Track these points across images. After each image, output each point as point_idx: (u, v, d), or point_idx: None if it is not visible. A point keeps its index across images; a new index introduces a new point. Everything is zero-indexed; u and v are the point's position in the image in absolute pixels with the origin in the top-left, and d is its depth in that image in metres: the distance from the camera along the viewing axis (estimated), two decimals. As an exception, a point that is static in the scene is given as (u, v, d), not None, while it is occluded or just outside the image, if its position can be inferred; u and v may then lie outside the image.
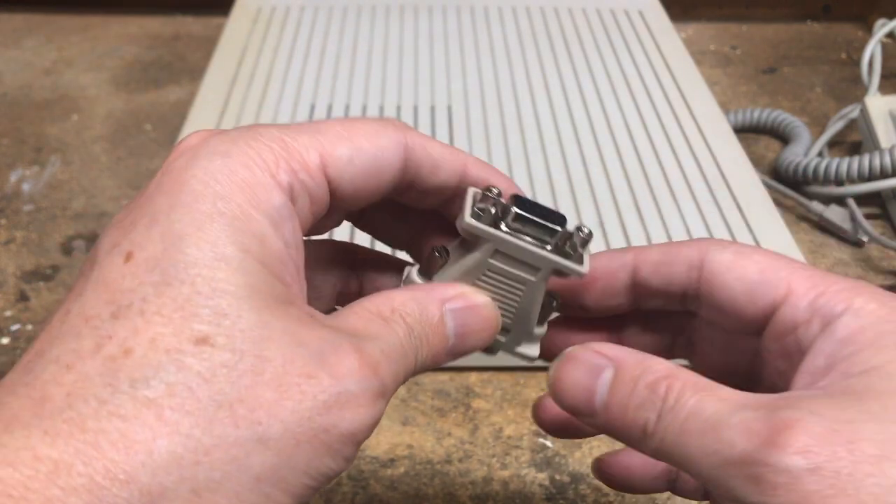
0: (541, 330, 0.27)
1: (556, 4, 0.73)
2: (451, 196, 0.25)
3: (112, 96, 0.74)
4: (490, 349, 0.26)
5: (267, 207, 0.20)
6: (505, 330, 0.26)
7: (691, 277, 0.25)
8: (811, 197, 0.61)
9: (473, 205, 0.24)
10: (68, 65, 0.79)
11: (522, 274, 0.24)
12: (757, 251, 0.24)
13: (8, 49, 0.82)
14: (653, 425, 0.21)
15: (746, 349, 0.25)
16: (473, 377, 0.47)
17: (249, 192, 0.20)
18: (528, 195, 0.52)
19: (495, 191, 0.24)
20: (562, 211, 0.25)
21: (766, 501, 0.19)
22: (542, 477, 0.42)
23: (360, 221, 0.28)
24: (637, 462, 0.30)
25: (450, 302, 0.23)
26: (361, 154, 0.22)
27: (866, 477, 0.18)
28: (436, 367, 0.23)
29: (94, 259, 0.20)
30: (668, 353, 0.28)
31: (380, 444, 0.44)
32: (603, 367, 0.23)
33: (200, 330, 0.18)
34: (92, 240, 0.58)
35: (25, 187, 0.63)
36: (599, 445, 0.44)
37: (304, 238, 0.23)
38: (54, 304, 0.52)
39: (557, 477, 0.42)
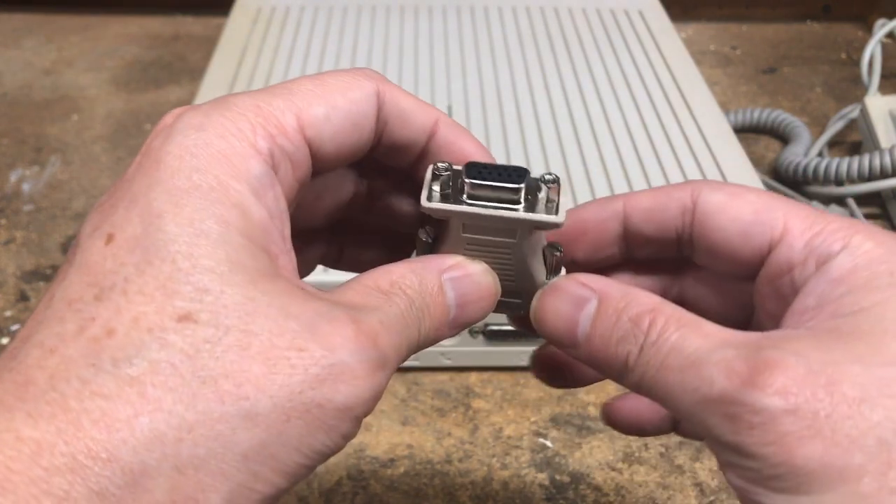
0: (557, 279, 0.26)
1: (556, 4, 0.73)
2: (421, 155, 0.25)
3: (112, 96, 0.74)
4: (507, 314, 0.26)
5: (247, 176, 0.20)
6: (516, 294, 0.25)
7: (685, 221, 0.24)
8: (811, 197, 0.61)
9: (430, 184, 0.23)
10: (68, 65, 0.79)
11: (501, 238, 0.24)
12: (751, 191, 0.23)
13: (8, 49, 0.82)
14: (634, 359, 0.21)
15: (739, 296, 0.25)
16: (473, 377, 0.47)
17: (227, 162, 0.20)
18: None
19: (443, 166, 0.23)
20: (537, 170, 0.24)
21: (742, 440, 0.18)
22: (542, 477, 0.42)
23: (367, 209, 0.27)
24: (644, 405, 0.29)
25: (447, 272, 0.23)
26: (337, 111, 0.22)
27: (844, 419, 0.18)
28: (439, 340, 0.23)
29: (77, 244, 0.19)
30: None
31: (380, 444, 0.44)
32: (587, 298, 0.23)
33: (183, 307, 0.18)
34: (92, 240, 0.58)
35: (25, 187, 0.63)
36: (599, 445, 0.44)
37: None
38: (54, 304, 0.52)
39: (557, 477, 0.42)
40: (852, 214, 0.58)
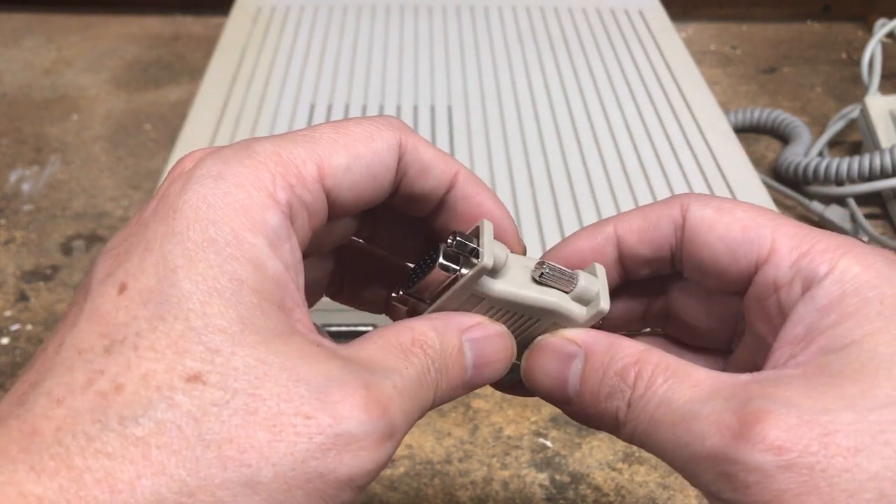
0: None
1: (556, 4, 0.73)
2: (438, 206, 0.24)
3: (112, 96, 0.74)
4: (502, 380, 0.25)
5: (263, 229, 0.19)
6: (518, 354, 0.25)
7: (678, 237, 0.24)
8: (811, 197, 0.61)
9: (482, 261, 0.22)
10: (68, 65, 0.79)
11: (527, 315, 0.24)
12: (739, 206, 0.23)
13: (8, 49, 0.82)
14: (623, 414, 0.21)
15: (729, 309, 0.25)
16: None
17: (244, 214, 0.19)
18: (528, 195, 0.52)
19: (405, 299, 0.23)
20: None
21: (738, 499, 0.18)
22: (542, 477, 0.42)
23: (372, 240, 0.27)
24: None
25: (468, 332, 0.22)
26: (359, 161, 0.21)
27: (841, 473, 0.17)
28: (452, 399, 0.22)
29: (87, 288, 0.19)
30: (645, 320, 0.27)
31: (380, 445, 0.44)
32: (573, 354, 0.23)
33: (193, 367, 0.17)
34: (92, 239, 0.58)
35: (25, 187, 0.63)
36: (599, 445, 0.44)
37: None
38: (54, 303, 0.52)
39: (557, 477, 0.42)
40: (852, 214, 0.58)
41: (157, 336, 0.18)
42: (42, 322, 0.51)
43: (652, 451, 0.21)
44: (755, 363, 0.22)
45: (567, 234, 0.47)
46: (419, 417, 0.21)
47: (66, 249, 0.57)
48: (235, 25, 0.68)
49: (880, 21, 0.73)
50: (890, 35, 0.71)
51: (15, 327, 0.51)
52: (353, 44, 0.66)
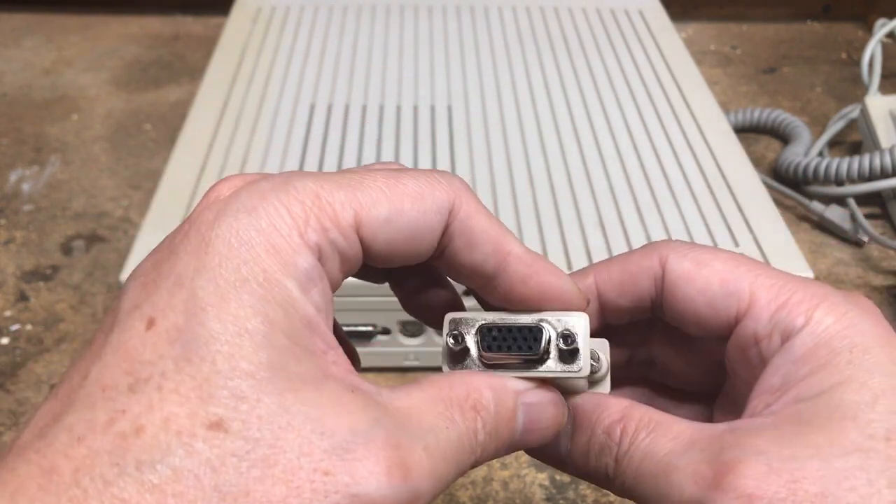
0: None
1: (556, 4, 0.73)
2: (486, 282, 0.23)
3: (112, 96, 0.74)
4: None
5: (294, 271, 0.19)
6: None
7: (657, 288, 0.24)
8: (811, 197, 0.61)
9: (447, 348, 0.22)
10: (68, 65, 0.79)
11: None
12: (717, 256, 0.23)
13: (8, 49, 0.82)
14: (612, 470, 0.22)
15: (711, 355, 0.25)
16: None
17: (276, 254, 0.19)
18: (528, 195, 0.52)
19: (460, 336, 0.22)
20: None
21: None
22: (542, 477, 0.42)
23: (397, 287, 0.26)
24: None
25: (524, 395, 0.22)
26: (401, 217, 0.20)
27: None
28: (492, 459, 0.22)
29: (114, 317, 0.19)
30: (629, 367, 0.27)
31: (380, 445, 0.44)
32: (562, 415, 0.23)
33: (216, 413, 0.17)
34: (91, 240, 0.57)
35: (25, 187, 0.63)
36: (599, 445, 0.44)
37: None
38: (54, 303, 0.52)
39: (557, 477, 0.42)
40: (853, 214, 0.58)
41: (183, 378, 0.17)
42: (42, 322, 0.51)
43: (640, 502, 0.21)
44: (738, 406, 0.23)
45: (567, 234, 0.47)
46: (454, 479, 0.20)
47: (66, 249, 0.57)
48: (235, 25, 0.68)
49: (880, 21, 0.73)
50: (890, 35, 0.71)
51: (15, 327, 0.51)
52: (353, 44, 0.66)
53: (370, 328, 0.46)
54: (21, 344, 0.50)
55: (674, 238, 0.47)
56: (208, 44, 0.79)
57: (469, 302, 0.25)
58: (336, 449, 0.17)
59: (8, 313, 0.52)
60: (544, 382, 0.22)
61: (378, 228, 0.20)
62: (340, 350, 0.20)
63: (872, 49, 0.69)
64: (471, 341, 0.22)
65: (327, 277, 0.20)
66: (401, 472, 0.18)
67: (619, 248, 0.46)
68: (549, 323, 0.22)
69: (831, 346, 0.21)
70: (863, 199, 0.60)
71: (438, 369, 0.23)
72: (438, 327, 0.25)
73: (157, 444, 0.17)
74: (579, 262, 0.45)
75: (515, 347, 0.22)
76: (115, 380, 0.18)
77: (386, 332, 0.46)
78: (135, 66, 0.79)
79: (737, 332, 0.23)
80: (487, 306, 0.24)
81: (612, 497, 0.41)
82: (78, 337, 0.50)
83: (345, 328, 0.45)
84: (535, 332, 0.22)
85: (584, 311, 0.23)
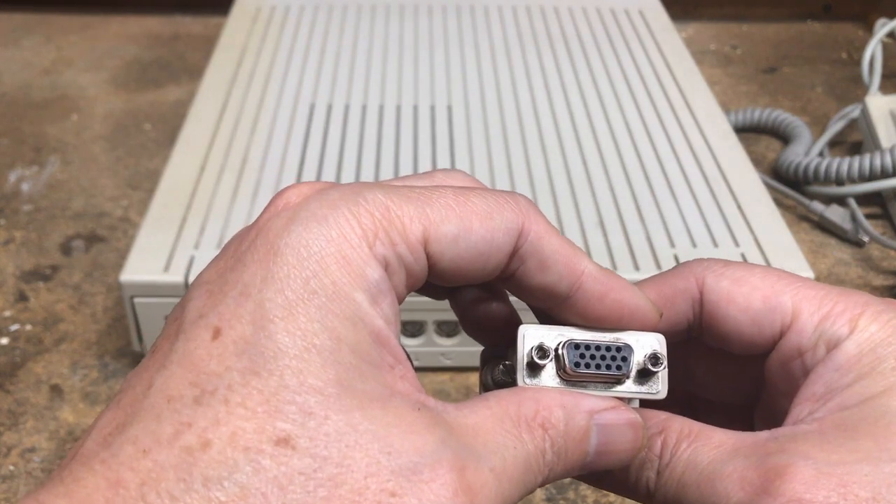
0: None
1: (556, 4, 0.73)
2: (560, 301, 0.22)
3: (111, 96, 0.74)
4: None
5: (364, 283, 0.19)
6: None
7: (695, 311, 0.24)
8: (812, 197, 0.61)
9: (528, 361, 0.21)
10: (67, 64, 0.79)
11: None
12: (753, 272, 0.23)
13: (7, 49, 0.82)
14: (654, 483, 0.22)
15: (749, 371, 0.25)
16: (473, 377, 0.47)
17: (346, 266, 0.18)
18: (528, 194, 0.51)
19: (547, 350, 0.21)
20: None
21: None
22: (543, 477, 0.42)
23: (455, 301, 0.25)
24: None
25: (600, 415, 0.21)
26: (470, 235, 0.20)
27: None
28: (561, 479, 0.21)
29: (179, 324, 0.18)
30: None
31: (379, 445, 0.44)
32: None
33: (283, 429, 0.17)
34: (91, 239, 0.57)
35: (25, 187, 0.62)
36: (600, 446, 0.44)
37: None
38: (53, 304, 0.52)
39: (557, 477, 0.42)
40: (853, 214, 0.58)
41: (250, 391, 0.17)
42: (41, 322, 0.51)
43: None
44: (776, 419, 0.23)
45: (567, 234, 0.47)
46: (520, 499, 0.19)
47: (66, 249, 0.57)
48: (235, 25, 0.68)
49: (881, 21, 0.73)
50: (890, 35, 0.71)
51: (14, 327, 0.51)
52: (352, 43, 0.66)
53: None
54: (20, 344, 0.49)
55: (677, 239, 0.47)
56: (208, 44, 0.79)
57: (526, 315, 0.24)
58: (403, 470, 0.17)
59: (7, 313, 0.52)
60: (622, 402, 0.22)
61: (446, 246, 0.20)
62: (409, 364, 0.20)
63: (873, 49, 0.68)
64: (553, 355, 0.22)
65: (394, 291, 0.20)
66: (467, 496, 0.18)
67: (620, 247, 0.46)
68: (630, 342, 0.22)
69: (876, 354, 0.21)
70: (863, 199, 0.60)
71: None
72: (495, 344, 0.24)
73: (223, 459, 0.16)
74: (579, 262, 0.45)
75: (604, 366, 0.22)
76: (180, 391, 0.17)
77: (386, 332, 0.46)
78: (134, 65, 0.79)
79: (780, 346, 0.22)
80: (547, 322, 0.24)
81: (612, 497, 0.41)
82: (77, 337, 0.50)
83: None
84: (624, 350, 0.22)
85: (657, 321, 0.23)
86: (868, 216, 0.59)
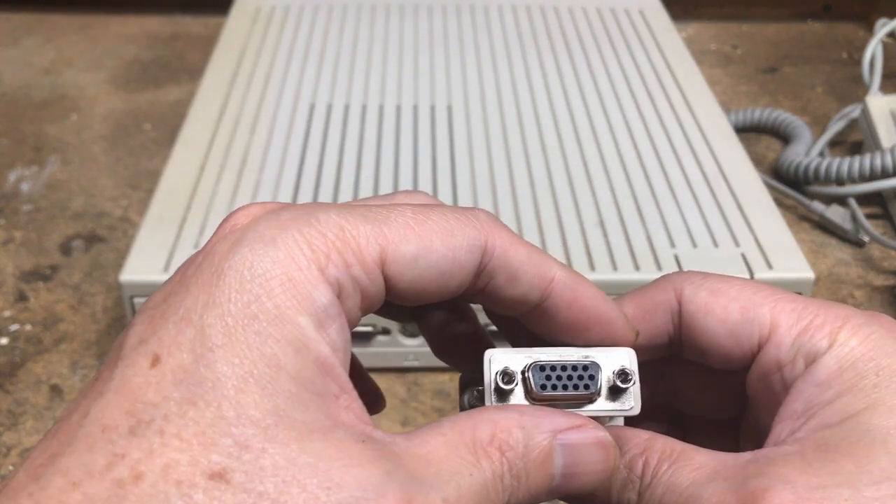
0: None
1: (556, 4, 0.73)
2: (532, 310, 0.22)
3: (111, 96, 0.74)
4: None
5: (310, 307, 0.18)
6: None
7: (675, 324, 0.23)
8: (812, 197, 0.61)
9: (495, 387, 0.21)
10: (67, 64, 0.79)
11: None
12: (732, 284, 0.23)
13: (7, 49, 0.82)
14: None
15: (732, 386, 0.25)
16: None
17: (292, 288, 0.18)
18: (528, 194, 0.51)
19: (513, 375, 0.21)
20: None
21: None
22: (543, 478, 0.42)
23: (424, 325, 0.24)
24: None
25: (564, 434, 0.20)
26: (430, 254, 0.19)
27: None
28: None
29: (119, 352, 0.18)
30: (652, 398, 0.27)
31: (379, 445, 0.43)
32: None
33: (218, 462, 0.16)
34: (91, 239, 0.57)
35: (24, 187, 0.62)
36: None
37: None
38: (53, 304, 0.52)
39: (558, 478, 0.42)
40: (853, 214, 0.58)
41: (186, 423, 0.16)
42: (41, 322, 0.51)
43: None
44: (761, 434, 0.22)
45: (567, 234, 0.47)
46: None
47: (66, 249, 0.57)
48: (235, 25, 0.68)
49: (881, 21, 0.73)
50: (891, 35, 0.71)
51: (14, 327, 0.50)
52: (352, 43, 0.66)
53: (370, 328, 0.45)
54: (20, 344, 0.49)
55: (677, 239, 0.47)
56: (208, 43, 0.79)
57: (498, 338, 0.24)
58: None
59: (7, 313, 0.51)
60: (591, 420, 0.21)
61: (405, 266, 0.19)
62: (355, 394, 0.19)
63: (873, 49, 0.68)
64: (519, 379, 0.21)
65: (346, 315, 0.19)
66: None
67: (620, 248, 0.46)
68: (597, 358, 0.22)
69: (856, 370, 0.20)
70: (864, 199, 0.60)
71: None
72: (467, 368, 0.24)
73: (155, 493, 0.16)
74: (580, 262, 0.45)
75: (572, 386, 0.21)
76: (115, 420, 0.17)
77: (386, 332, 0.46)
78: (134, 65, 0.79)
79: (759, 360, 0.22)
80: (516, 342, 0.23)
81: (613, 498, 0.41)
82: (77, 337, 0.50)
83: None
84: (591, 369, 0.21)
85: (632, 339, 0.23)
86: (868, 216, 0.59)
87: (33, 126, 0.70)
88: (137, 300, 0.44)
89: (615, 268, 0.45)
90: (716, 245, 0.47)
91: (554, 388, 0.21)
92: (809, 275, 0.45)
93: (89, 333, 0.50)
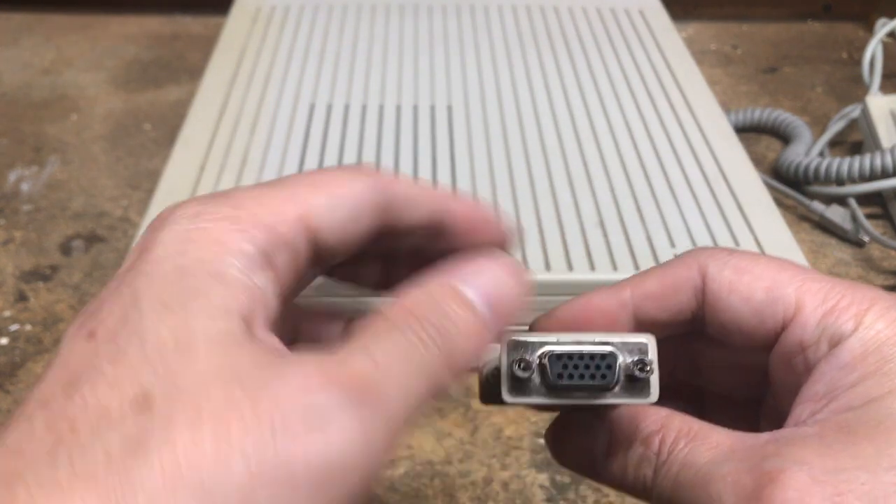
0: None
1: (556, 4, 0.73)
2: (433, 234, 0.23)
3: (111, 96, 0.74)
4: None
5: (235, 253, 0.19)
6: None
7: (699, 301, 0.23)
8: (812, 197, 0.61)
9: (510, 374, 0.21)
10: (67, 64, 0.79)
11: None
12: (758, 262, 0.23)
13: (7, 48, 0.82)
14: (650, 481, 0.21)
15: (754, 364, 0.25)
16: (473, 377, 0.47)
17: (215, 244, 0.19)
18: (528, 195, 0.51)
19: (530, 363, 0.21)
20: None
21: None
22: (543, 478, 0.42)
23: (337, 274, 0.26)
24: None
25: (468, 279, 0.20)
26: (339, 200, 0.21)
27: None
28: (480, 351, 0.20)
29: (60, 345, 0.19)
30: (674, 376, 0.27)
31: (379, 445, 0.43)
32: (598, 426, 0.23)
33: (140, 389, 0.17)
34: (91, 239, 0.57)
35: (24, 187, 0.62)
36: (600, 446, 0.44)
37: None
38: (53, 304, 0.52)
39: (558, 478, 0.42)
40: (853, 214, 0.58)
41: (116, 368, 0.17)
42: (41, 322, 0.51)
43: None
44: (781, 415, 0.22)
45: (567, 234, 0.47)
46: (430, 390, 0.18)
47: (66, 249, 0.57)
48: (235, 25, 0.68)
49: (881, 21, 0.73)
50: (891, 35, 0.71)
51: (14, 327, 0.51)
52: (352, 43, 0.66)
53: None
54: (20, 344, 0.49)
55: (677, 239, 0.47)
56: (208, 43, 0.79)
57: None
58: (257, 386, 0.17)
59: (7, 313, 0.52)
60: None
61: (324, 216, 0.21)
62: (275, 338, 0.19)
63: (873, 49, 0.68)
64: (536, 366, 0.21)
65: (280, 275, 0.20)
66: (352, 381, 0.17)
67: (620, 248, 0.46)
68: (615, 346, 0.21)
69: (881, 353, 0.20)
70: (864, 199, 0.60)
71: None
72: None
73: (90, 442, 0.16)
74: (580, 262, 0.45)
75: (588, 376, 0.21)
76: (52, 391, 0.17)
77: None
78: (134, 65, 0.79)
79: (782, 340, 0.22)
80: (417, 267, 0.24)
81: (613, 498, 0.41)
82: (77, 337, 0.50)
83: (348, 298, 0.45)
84: (608, 359, 0.21)
85: (504, 240, 0.23)
86: (868, 216, 0.59)
87: (33, 126, 0.70)
88: (137, 300, 0.44)
89: (615, 268, 0.45)
90: (715, 245, 0.47)
91: (570, 377, 0.21)
92: (809, 275, 0.45)
93: (89, 333, 0.50)
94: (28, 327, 0.51)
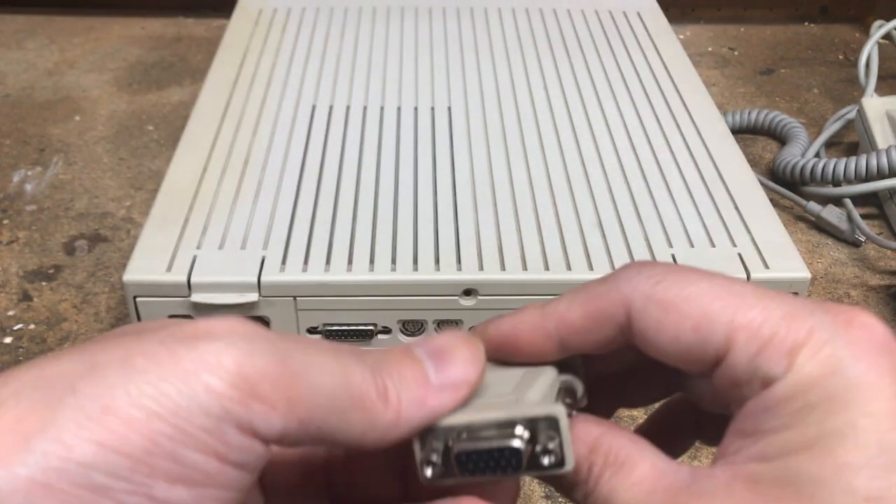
0: None
1: (554, 6, 0.74)
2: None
3: (114, 97, 0.74)
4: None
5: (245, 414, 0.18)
6: None
7: (626, 335, 0.22)
8: (808, 197, 0.61)
9: (424, 461, 0.21)
10: (71, 66, 0.79)
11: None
12: (686, 290, 0.21)
13: (10, 50, 0.82)
14: None
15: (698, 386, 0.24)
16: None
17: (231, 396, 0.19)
18: (528, 196, 0.51)
19: (437, 453, 0.21)
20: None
21: None
22: (541, 474, 0.43)
23: None
24: None
25: (419, 343, 0.22)
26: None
27: None
28: (426, 414, 0.20)
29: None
30: (669, 391, 0.26)
31: (380, 442, 0.44)
32: None
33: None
34: (94, 240, 0.58)
35: (28, 188, 0.63)
36: (598, 443, 0.44)
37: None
38: (57, 303, 0.53)
39: (556, 474, 0.43)
40: (849, 214, 0.59)
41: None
42: (45, 321, 0.51)
43: None
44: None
45: (566, 235, 0.47)
46: (348, 394, 0.19)
47: (69, 249, 0.57)
48: (237, 27, 0.69)
49: (877, 23, 0.73)
50: (887, 37, 0.72)
51: (18, 327, 0.51)
52: (353, 45, 0.67)
53: (371, 328, 0.46)
54: (24, 343, 0.50)
55: (674, 239, 0.47)
56: (210, 45, 0.79)
57: None
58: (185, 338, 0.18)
59: (11, 313, 0.52)
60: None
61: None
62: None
63: (869, 50, 0.69)
64: (443, 458, 0.21)
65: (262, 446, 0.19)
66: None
67: (618, 248, 0.47)
68: (521, 424, 0.20)
69: (806, 400, 0.19)
70: (859, 200, 0.61)
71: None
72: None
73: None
74: (578, 263, 0.45)
75: (499, 469, 0.21)
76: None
77: (386, 331, 0.46)
78: (137, 67, 0.80)
79: (716, 375, 0.21)
80: None
81: (610, 494, 0.42)
82: (81, 336, 0.50)
83: (345, 327, 0.45)
84: (507, 453, 0.20)
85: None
86: (864, 216, 0.60)
87: (37, 127, 0.70)
88: (140, 300, 0.44)
89: (614, 268, 0.45)
90: (713, 245, 0.47)
91: (478, 467, 0.21)
92: (806, 275, 0.45)
93: (93, 333, 0.51)
94: (32, 327, 0.51)
